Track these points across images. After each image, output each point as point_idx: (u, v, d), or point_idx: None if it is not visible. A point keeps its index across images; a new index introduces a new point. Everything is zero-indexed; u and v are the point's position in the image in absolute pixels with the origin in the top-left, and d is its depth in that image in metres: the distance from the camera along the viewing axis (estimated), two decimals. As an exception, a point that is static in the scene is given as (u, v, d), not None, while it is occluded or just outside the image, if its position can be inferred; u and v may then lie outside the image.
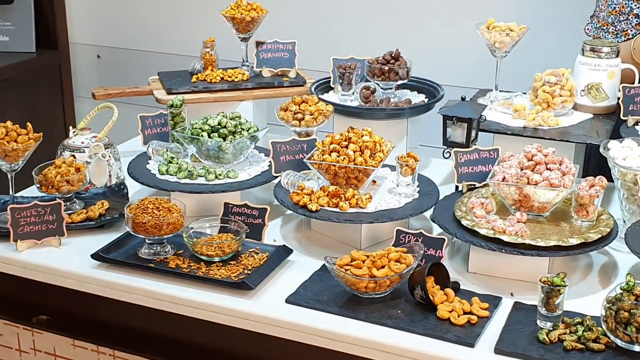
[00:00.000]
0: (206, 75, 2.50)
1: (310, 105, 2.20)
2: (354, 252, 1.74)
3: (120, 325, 1.89)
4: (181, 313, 1.77)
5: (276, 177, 2.08)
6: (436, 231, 1.99)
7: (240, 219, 1.93)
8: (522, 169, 1.88)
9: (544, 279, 1.60)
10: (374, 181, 2.06)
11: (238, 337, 1.76)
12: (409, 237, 1.82)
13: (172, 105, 2.24)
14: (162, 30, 3.83)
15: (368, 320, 1.66)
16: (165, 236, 1.86)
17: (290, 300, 1.73)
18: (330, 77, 2.47)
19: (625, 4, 2.34)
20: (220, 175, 2.09)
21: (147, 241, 1.87)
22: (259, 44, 2.55)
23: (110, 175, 2.18)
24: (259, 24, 2.54)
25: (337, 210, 1.92)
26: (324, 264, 1.78)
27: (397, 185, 2.01)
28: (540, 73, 2.26)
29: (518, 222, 1.83)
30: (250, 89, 2.49)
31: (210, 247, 1.83)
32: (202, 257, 1.85)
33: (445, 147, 2.10)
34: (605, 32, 2.37)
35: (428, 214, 1.99)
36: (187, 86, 2.46)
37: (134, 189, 2.19)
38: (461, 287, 1.76)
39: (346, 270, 1.70)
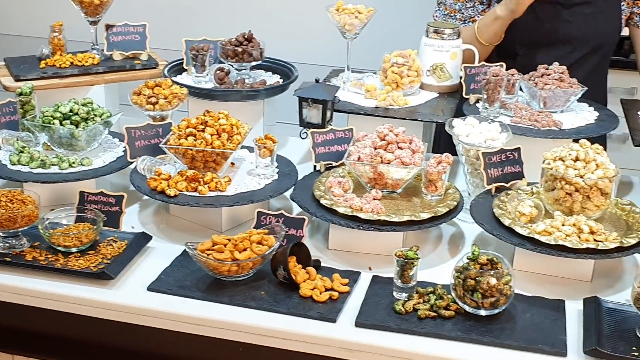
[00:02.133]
0: (55, 61, 2.42)
1: (164, 89, 2.19)
2: (215, 236, 1.76)
3: (-25, 322, 1.83)
4: (41, 306, 1.73)
5: (132, 162, 2.06)
6: (296, 210, 2.03)
7: (96, 207, 1.90)
8: (375, 149, 1.95)
9: (398, 253, 1.69)
10: (232, 163, 2.08)
11: (101, 328, 1.74)
12: (269, 218, 1.85)
13: (21, 93, 2.16)
14: (5, 10, 3.65)
15: (232, 303, 1.68)
16: (20, 229, 1.81)
17: (152, 287, 1.73)
18: (183, 59, 2.46)
19: None
20: (74, 163, 2.05)
21: (2, 235, 1.81)
22: (108, 27, 2.49)
23: (-45, 167, 2.08)
24: (108, 6, 2.48)
25: (196, 194, 1.92)
26: (185, 249, 1.78)
27: (256, 167, 2.04)
28: (389, 54, 2.34)
29: (374, 199, 1.91)
30: (102, 73, 2.44)
31: (68, 237, 1.80)
32: (60, 248, 1.81)
33: (302, 128, 2.14)
34: (453, 19, 2.49)
35: (288, 193, 2.03)
36: (36, 72, 2.37)
37: (-18, 180, 2.10)
38: (322, 264, 1.81)
39: (208, 254, 1.72)
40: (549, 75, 2.23)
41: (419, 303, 1.67)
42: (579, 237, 1.73)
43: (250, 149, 2.12)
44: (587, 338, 1.57)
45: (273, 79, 2.47)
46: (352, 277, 1.77)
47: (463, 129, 2.02)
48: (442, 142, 2.49)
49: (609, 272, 1.83)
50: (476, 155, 1.96)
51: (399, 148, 1.95)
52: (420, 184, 1.97)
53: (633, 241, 1.73)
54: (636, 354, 1.53)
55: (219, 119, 2.02)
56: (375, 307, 1.67)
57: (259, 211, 1.86)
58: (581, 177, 1.79)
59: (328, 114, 2.12)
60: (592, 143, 1.90)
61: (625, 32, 2.54)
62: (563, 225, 1.76)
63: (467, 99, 2.29)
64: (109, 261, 1.78)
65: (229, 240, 1.75)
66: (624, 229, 1.83)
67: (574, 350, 1.57)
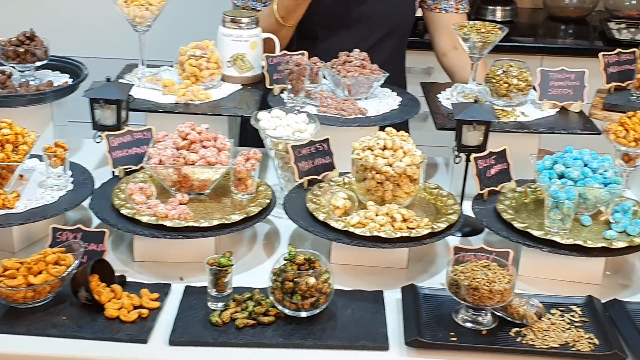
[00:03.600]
0: None
1: None
2: (5, 260, 1.58)
3: None
4: None
5: None
6: (96, 222, 1.88)
7: None
8: (178, 149, 1.84)
9: (210, 261, 1.59)
10: (21, 176, 1.88)
11: None
12: (66, 234, 1.69)
13: None
14: None
15: (30, 333, 1.52)
16: None
17: None
18: (-43, 63, 2.21)
19: None
20: None
21: None
22: None
23: None
24: None
25: (-19, 215, 1.72)
26: (-28, 278, 1.58)
27: (48, 178, 1.86)
28: (185, 46, 2.22)
29: (180, 204, 1.80)
30: None
31: None
32: None
33: (95, 131, 1.98)
34: (254, 2, 2.41)
35: (87, 203, 1.87)
36: None
37: None
38: (128, 279, 1.68)
39: (-2, 282, 1.53)
40: (350, 62, 2.21)
41: (236, 312, 1.58)
42: (393, 226, 1.72)
43: (41, 158, 1.92)
44: (407, 329, 1.55)
45: (61, 79, 2.27)
46: (163, 290, 1.65)
47: (269, 122, 1.95)
48: (249, 137, 2.41)
49: (422, 257, 1.84)
50: (285, 148, 1.90)
51: (203, 147, 1.85)
52: (230, 183, 1.88)
53: (443, 225, 1.74)
54: (454, 339, 1.53)
55: (1, 129, 1.82)
56: (189, 321, 1.56)
57: (54, 227, 1.69)
58: (390, 165, 1.78)
59: (123, 114, 1.97)
60: (397, 128, 1.89)
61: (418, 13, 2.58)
62: (377, 215, 1.74)
63: (271, 89, 2.22)
64: None
65: (22, 263, 1.57)
66: (434, 214, 1.84)
67: (395, 342, 1.55)
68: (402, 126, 2.28)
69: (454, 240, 1.88)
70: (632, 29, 3.67)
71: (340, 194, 1.80)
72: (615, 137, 1.94)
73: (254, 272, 1.76)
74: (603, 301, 1.68)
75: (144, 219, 1.71)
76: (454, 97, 2.22)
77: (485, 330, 1.56)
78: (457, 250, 1.67)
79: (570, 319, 1.61)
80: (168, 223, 1.70)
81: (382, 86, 2.26)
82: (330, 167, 1.92)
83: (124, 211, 1.74)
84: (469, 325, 1.57)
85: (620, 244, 1.71)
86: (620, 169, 1.91)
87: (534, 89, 2.20)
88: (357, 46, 2.27)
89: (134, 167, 1.92)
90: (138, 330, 1.53)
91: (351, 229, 1.69)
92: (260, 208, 1.79)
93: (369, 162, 1.79)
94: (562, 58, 3.46)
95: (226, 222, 1.73)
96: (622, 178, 1.84)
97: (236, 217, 1.74)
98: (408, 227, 1.72)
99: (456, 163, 1.92)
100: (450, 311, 1.61)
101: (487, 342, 1.54)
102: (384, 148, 1.79)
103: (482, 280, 1.54)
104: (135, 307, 1.58)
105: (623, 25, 3.70)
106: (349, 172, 1.88)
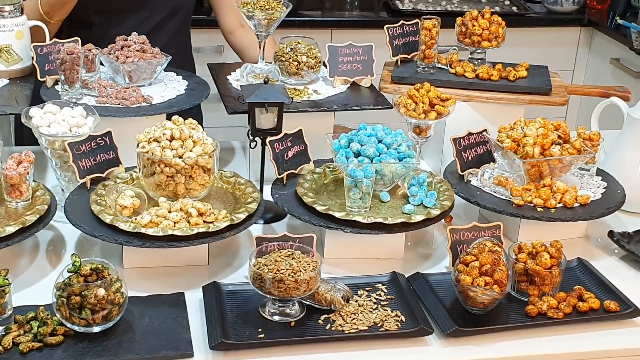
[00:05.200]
0: None
1: None
2: None
3: None
4: None
5: None
6: None
7: None
8: None
9: (-18, 282, 1.41)
10: None
11: None
12: None
13: None
14: None
15: None
16: None
17: None
18: None
19: None
20: None
21: None
22: None
23: None
24: None
25: None
26: None
27: None
28: (-61, 40, 1.98)
29: (-57, 219, 1.58)
30: None
31: None
32: None
33: None
34: None
35: None
36: None
37: None
38: None
39: None
40: (129, 46, 2.05)
41: (19, 335, 1.41)
42: (189, 222, 1.61)
43: None
44: (211, 331, 1.45)
45: None
46: None
47: (43, 119, 1.76)
48: (26, 136, 2.19)
49: (224, 250, 1.74)
50: (62, 146, 1.72)
51: (-34, 153, 1.64)
52: (2, 191, 1.68)
53: (243, 216, 1.65)
54: (262, 335, 1.46)
55: None
56: (-36, 353, 1.38)
57: None
58: (180, 157, 1.66)
59: None
60: (188, 114, 1.77)
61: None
62: (170, 212, 1.62)
63: (44, 82, 2.02)
64: None
65: None
66: (233, 204, 1.75)
67: (200, 348, 1.44)
68: (193, 111, 2.16)
69: (257, 228, 1.81)
70: (414, -1, 3.77)
71: (128, 192, 1.66)
72: (405, 110, 1.94)
73: (38, 288, 1.59)
74: (407, 275, 1.67)
75: None
76: (244, 78, 2.13)
77: (294, 322, 1.50)
78: (259, 240, 1.59)
79: (376, 299, 1.59)
80: None
81: (166, 70, 2.12)
82: (115, 162, 1.77)
83: None
84: (276, 318, 1.50)
85: (419, 217, 1.70)
86: (413, 141, 1.91)
87: (325, 65, 2.15)
88: (136, 30, 2.12)
89: None
90: None
91: (142, 230, 1.57)
92: (39, 215, 1.62)
93: (156, 155, 1.65)
94: (351, 31, 3.49)
95: (0, 235, 1.54)
96: (415, 151, 1.84)
97: (11, 229, 1.56)
98: (205, 222, 1.62)
99: (252, 148, 1.83)
100: (256, 306, 1.53)
101: (295, 334, 1.48)
102: (172, 138, 1.67)
103: (287, 271, 1.47)
104: None
105: (405, -4, 3.78)
106: (136, 167, 1.75)
